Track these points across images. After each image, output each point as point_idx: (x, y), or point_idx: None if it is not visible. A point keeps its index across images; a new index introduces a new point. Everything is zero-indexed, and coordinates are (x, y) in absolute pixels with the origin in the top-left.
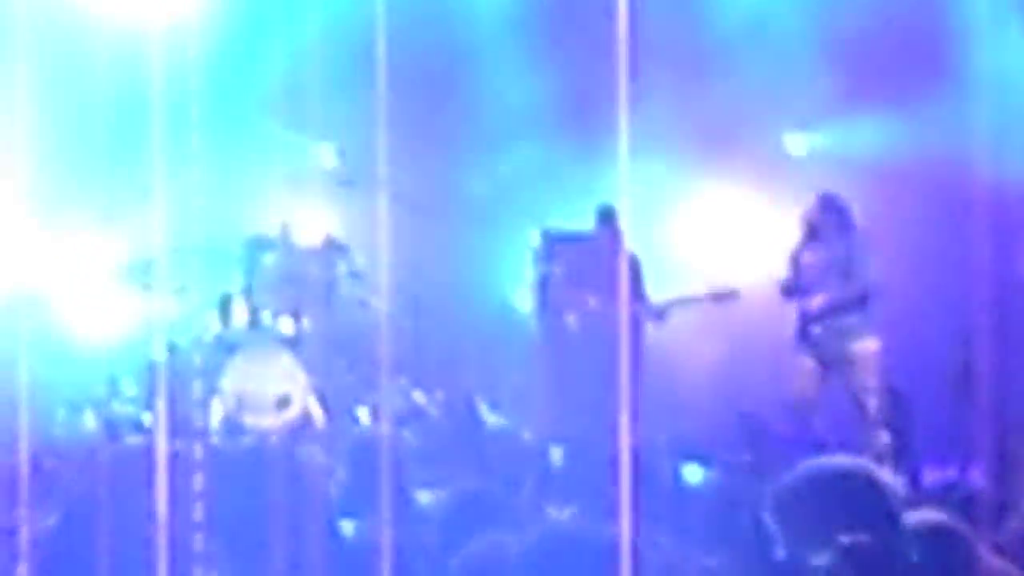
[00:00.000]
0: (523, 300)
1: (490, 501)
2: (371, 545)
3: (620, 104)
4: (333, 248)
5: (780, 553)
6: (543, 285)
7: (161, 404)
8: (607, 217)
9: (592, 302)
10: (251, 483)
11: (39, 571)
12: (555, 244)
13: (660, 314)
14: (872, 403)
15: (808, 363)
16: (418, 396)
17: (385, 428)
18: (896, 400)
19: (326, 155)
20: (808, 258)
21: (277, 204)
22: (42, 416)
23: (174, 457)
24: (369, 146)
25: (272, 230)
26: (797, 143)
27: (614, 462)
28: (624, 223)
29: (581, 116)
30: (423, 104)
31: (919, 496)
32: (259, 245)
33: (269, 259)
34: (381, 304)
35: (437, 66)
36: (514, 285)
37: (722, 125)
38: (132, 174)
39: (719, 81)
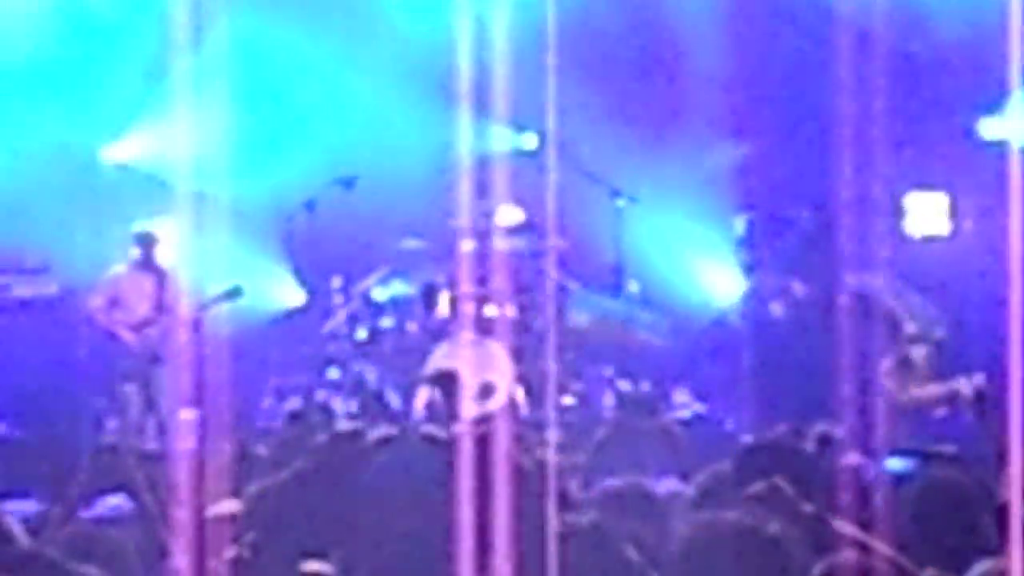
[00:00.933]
0: (728, 288)
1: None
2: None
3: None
4: (536, 236)
5: None
6: (748, 272)
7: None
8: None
9: (799, 289)
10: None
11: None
12: (760, 230)
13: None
14: None
15: None
16: (623, 385)
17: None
18: None
19: (527, 141)
20: None
21: (475, 192)
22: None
23: (382, 443)
24: (579, 133)
25: (471, 220)
26: None
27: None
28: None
29: (791, 108)
30: (637, 93)
31: None
32: (458, 234)
33: (468, 247)
34: (586, 293)
35: (651, 55)
36: (719, 274)
37: None
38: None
39: None
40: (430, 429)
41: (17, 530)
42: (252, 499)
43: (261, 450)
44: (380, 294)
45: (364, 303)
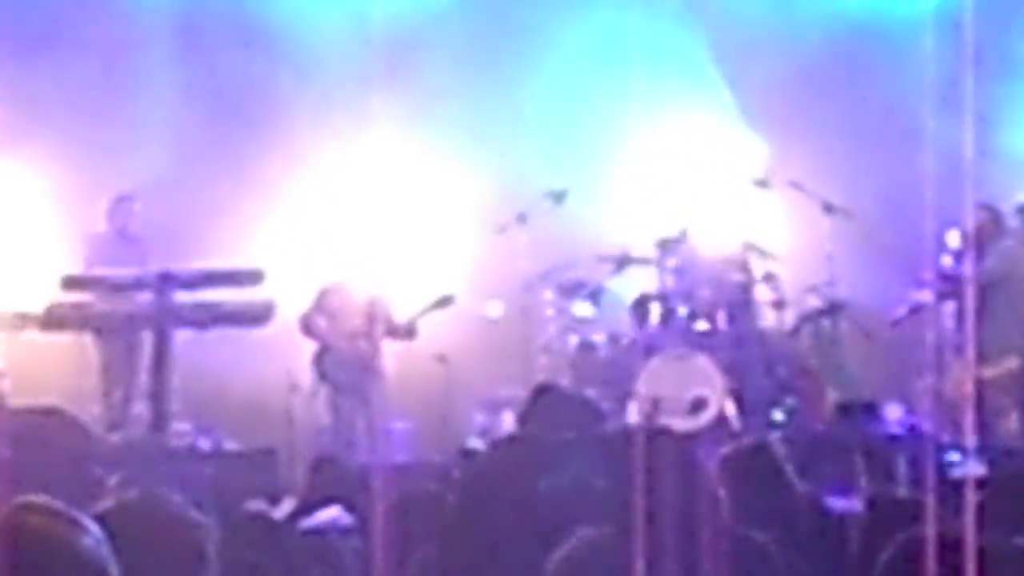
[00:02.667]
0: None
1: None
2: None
3: None
4: (747, 250)
5: None
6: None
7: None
8: None
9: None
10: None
11: None
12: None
13: None
14: None
15: None
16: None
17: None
18: None
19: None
20: None
21: (690, 206)
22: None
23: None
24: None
25: (679, 232)
26: None
27: None
28: None
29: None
30: (843, 105)
31: None
32: (671, 247)
33: (682, 261)
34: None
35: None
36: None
37: None
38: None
39: None
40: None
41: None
42: None
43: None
44: (588, 308)
45: (575, 316)
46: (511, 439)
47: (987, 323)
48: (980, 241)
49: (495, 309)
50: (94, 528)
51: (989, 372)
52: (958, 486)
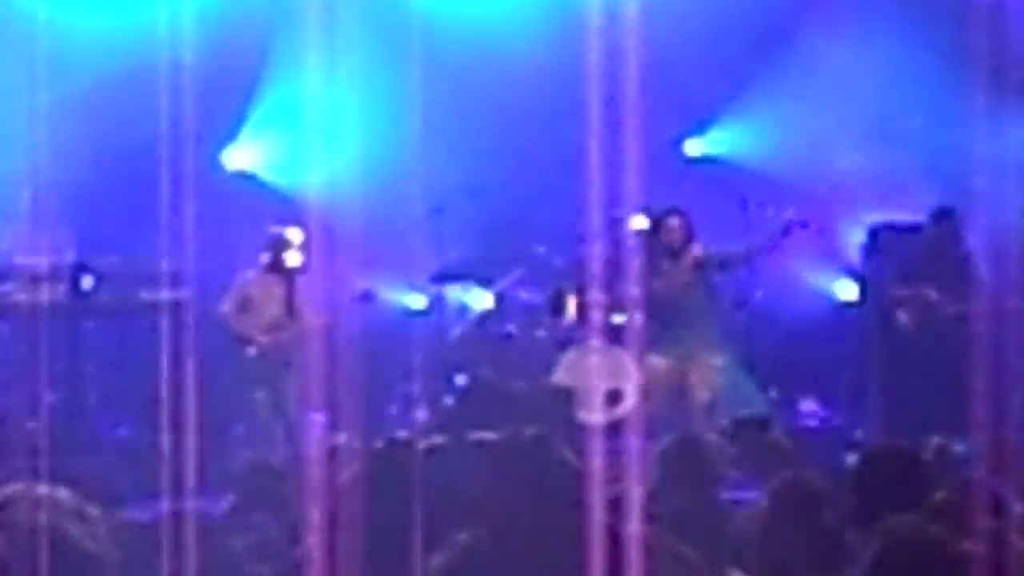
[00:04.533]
0: (850, 295)
1: None
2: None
3: None
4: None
5: None
6: (872, 280)
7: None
8: (944, 217)
9: (929, 296)
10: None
11: None
12: (884, 238)
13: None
14: None
15: None
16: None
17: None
18: None
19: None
20: None
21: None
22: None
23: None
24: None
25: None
26: None
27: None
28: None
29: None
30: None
31: None
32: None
33: (597, 253)
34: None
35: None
36: (841, 280)
37: None
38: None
39: None
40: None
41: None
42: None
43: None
44: (507, 300)
45: (492, 309)
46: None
47: None
48: None
49: (415, 301)
50: None
51: None
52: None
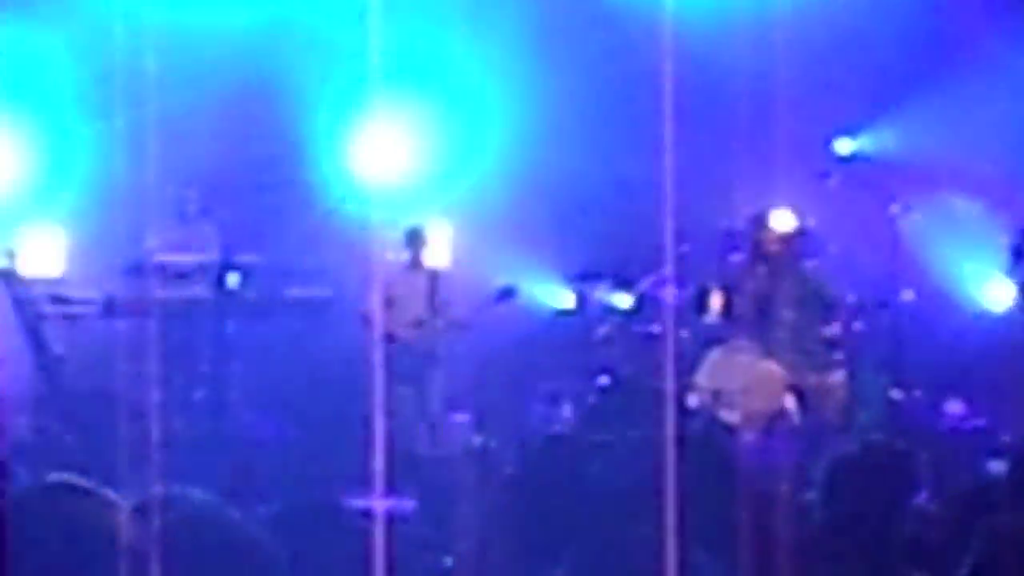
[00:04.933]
0: (998, 297)
1: None
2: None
3: None
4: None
5: None
6: (1021, 282)
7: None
8: None
9: None
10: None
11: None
12: None
13: None
14: None
15: None
16: (895, 394)
17: None
18: None
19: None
20: None
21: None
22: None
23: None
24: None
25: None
26: None
27: None
28: None
29: None
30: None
31: None
32: (733, 238)
33: (744, 253)
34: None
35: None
36: (990, 282)
37: None
38: (610, 167)
39: None
40: None
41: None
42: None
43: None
44: (650, 299)
45: (635, 307)
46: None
47: None
48: None
49: (559, 300)
50: (128, 507)
51: None
52: None
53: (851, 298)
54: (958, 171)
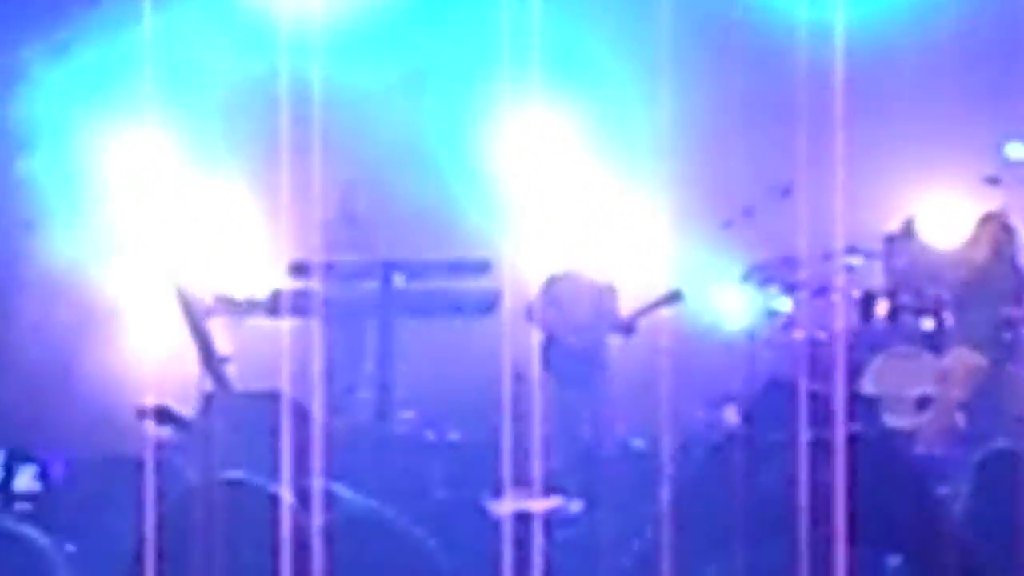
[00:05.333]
0: None
1: None
2: None
3: None
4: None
5: None
6: None
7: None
8: None
9: None
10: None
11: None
12: None
13: None
14: None
15: None
16: None
17: None
18: None
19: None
20: None
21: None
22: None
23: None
24: None
25: (905, 227)
26: None
27: None
28: None
29: None
30: None
31: None
32: (898, 243)
33: (909, 257)
34: None
35: None
36: None
37: None
38: (769, 171)
39: None
40: None
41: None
42: None
43: None
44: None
45: (800, 311)
46: (731, 437)
47: None
48: None
49: (721, 304)
50: (296, 504)
51: None
52: None
53: None
54: None
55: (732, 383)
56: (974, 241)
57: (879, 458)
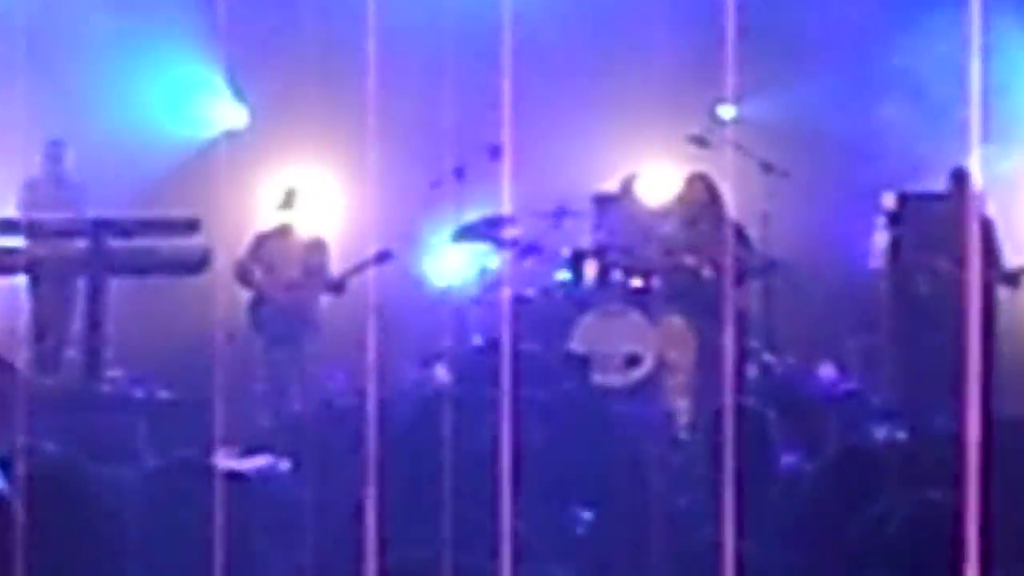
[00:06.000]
0: (873, 262)
1: None
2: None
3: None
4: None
5: None
6: (895, 247)
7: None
8: (960, 179)
9: (943, 265)
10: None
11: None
12: (909, 206)
13: (1012, 280)
14: None
15: None
16: (769, 358)
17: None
18: None
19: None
20: None
21: (627, 161)
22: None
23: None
24: None
25: (615, 187)
26: None
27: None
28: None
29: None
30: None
31: None
32: (608, 202)
33: (619, 216)
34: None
35: None
36: (865, 247)
37: None
38: (480, 132)
39: None
40: None
41: None
42: None
43: None
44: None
45: (508, 270)
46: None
47: None
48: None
49: (430, 263)
50: None
51: None
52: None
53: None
54: (830, 133)
55: (442, 341)
56: (679, 200)
57: (586, 416)
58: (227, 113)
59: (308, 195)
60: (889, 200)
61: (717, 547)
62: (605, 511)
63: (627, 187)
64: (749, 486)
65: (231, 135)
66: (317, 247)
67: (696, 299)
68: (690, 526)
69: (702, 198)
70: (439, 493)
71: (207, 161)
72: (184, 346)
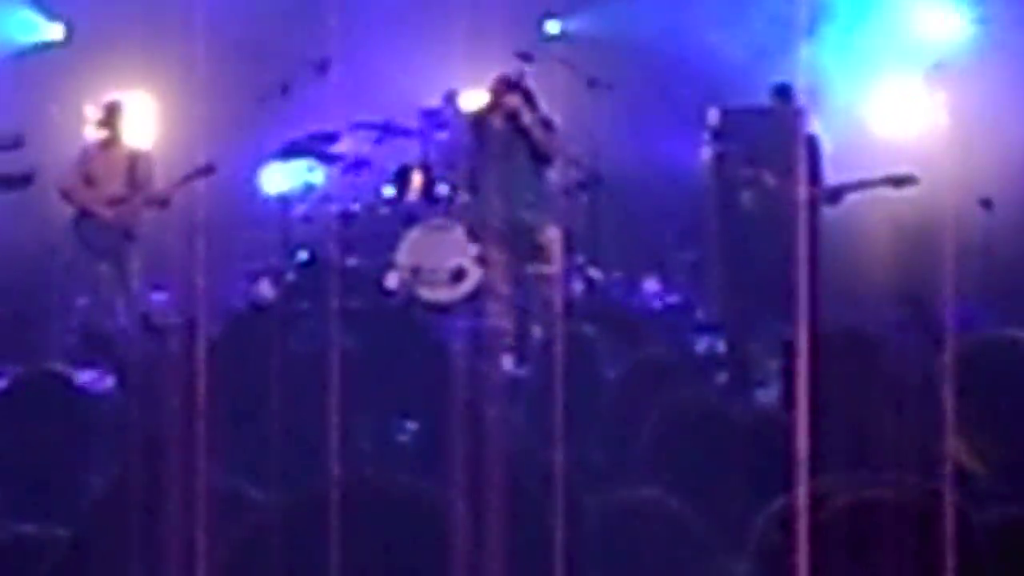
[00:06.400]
0: (697, 177)
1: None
2: None
3: None
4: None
5: None
6: (719, 162)
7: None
8: (784, 94)
9: (768, 180)
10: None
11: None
12: (732, 121)
13: (835, 196)
14: None
15: None
16: (594, 273)
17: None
18: None
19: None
20: None
21: (454, 78)
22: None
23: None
24: None
25: (443, 101)
26: None
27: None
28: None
29: None
30: None
31: None
32: (433, 116)
33: (445, 131)
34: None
35: None
36: (688, 161)
37: None
38: (306, 47)
39: None
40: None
41: None
42: None
43: None
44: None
45: (334, 186)
46: (259, 307)
47: None
48: None
49: (257, 179)
50: None
51: None
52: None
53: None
54: (660, 51)
55: (268, 257)
56: (490, 108)
57: (405, 329)
58: (38, 26)
59: (133, 114)
60: (713, 116)
61: (533, 453)
62: (430, 422)
63: (450, 101)
64: (568, 396)
65: (46, 48)
66: (142, 161)
67: None
68: (515, 436)
69: (514, 103)
70: (256, 406)
71: (20, 74)
72: (5, 260)
